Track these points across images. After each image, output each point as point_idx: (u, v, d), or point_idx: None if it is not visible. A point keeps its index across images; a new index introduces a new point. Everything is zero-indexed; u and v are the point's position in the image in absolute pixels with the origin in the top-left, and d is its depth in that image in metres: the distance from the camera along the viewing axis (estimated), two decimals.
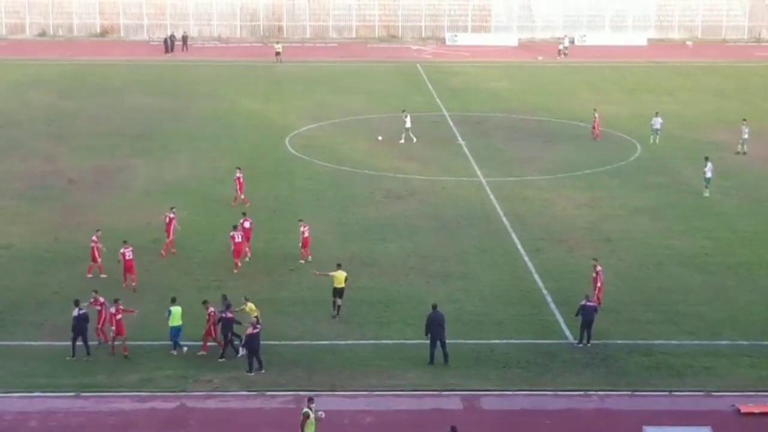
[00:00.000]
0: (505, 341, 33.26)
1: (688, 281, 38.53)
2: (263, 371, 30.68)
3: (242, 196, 46.39)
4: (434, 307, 31.91)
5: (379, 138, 59.32)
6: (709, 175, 48.90)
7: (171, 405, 29.07)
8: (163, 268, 39.02)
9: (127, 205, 46.87)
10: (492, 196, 48.78)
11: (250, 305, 32.50)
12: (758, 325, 34.71)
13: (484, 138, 60.79)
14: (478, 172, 52.95)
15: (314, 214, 44.84)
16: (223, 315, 31.51)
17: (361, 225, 44.50)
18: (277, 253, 40.54)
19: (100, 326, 32.26)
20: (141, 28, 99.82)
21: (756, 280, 38.74)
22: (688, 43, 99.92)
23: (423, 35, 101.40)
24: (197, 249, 40.92)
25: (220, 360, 31.48)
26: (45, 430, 27.79)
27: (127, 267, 37.02)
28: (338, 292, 34.80)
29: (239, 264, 38.79)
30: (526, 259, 40.59)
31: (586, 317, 32.54)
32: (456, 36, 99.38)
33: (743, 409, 28.80)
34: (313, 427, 25.96)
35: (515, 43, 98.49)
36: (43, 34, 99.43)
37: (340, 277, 34.78)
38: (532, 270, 39.41)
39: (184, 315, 32.13)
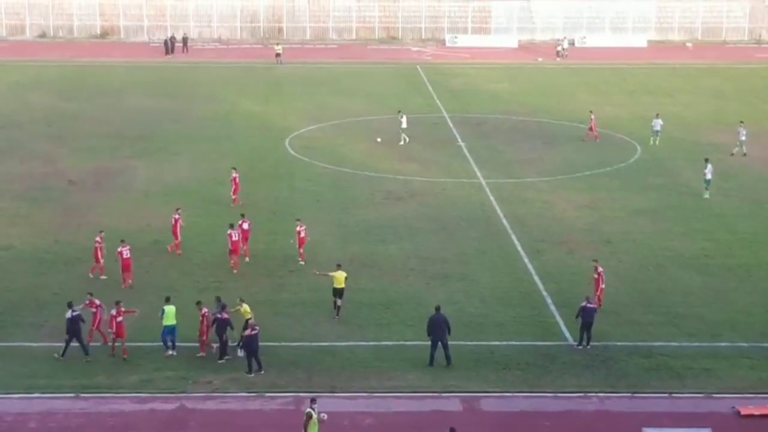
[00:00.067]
0: (505, 343, 33.26)
1: (688, 283, 38.54)
2: (263, 372, 30.69)
3: (235, 196, 46.35)
4: (437, 309, 31.89)
5: (378, 140, 59.32)
6: (709, 176, 48.91)
7: (171, 406, 29.07)
8: (163, 269, 39.05)
9: (127, 206, 46.88)
10: (492, 198, 48.79)
11: (245, 306, 32.51)
12: (758, 326, 34.71)
13: (484, 139, 60.80)
14: (478, 174, 52.96)
15: (314, 216, 44.86)
16: (218, 316, 31.50)
17: (361, 226, 44.51)
18: (276, 255, 40.55)
19: (94, 328, 32.26)
20: (141, 29, 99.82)
21: (756, 282, 38.74)
22: (688, 44, 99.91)
23: (423, 37, 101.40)
24: (197, 250, 40.92)
25: (220, 361, 31.48)
26: (45, 431, 27.79)
27: (125, 266, 37.10)
28: (338, 293, 34.82)
29: (238, 262, 38.85)
30: (526, 260, 40.59)
31: (586, 319, 32.54)
32: (456, 37, 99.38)
33: (743, 411, 28.80)
34: (316, 428, 25.97)
35: (515, 45, 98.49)
36: (43, 35, 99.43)
37: (340, 277, 34.80)
38: (532, 272, 39.41)
39: (178, 315, 32.15)
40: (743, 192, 50.28)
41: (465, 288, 37.68)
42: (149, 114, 66.46)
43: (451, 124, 64.76)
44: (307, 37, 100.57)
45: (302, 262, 39.38)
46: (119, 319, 31.52)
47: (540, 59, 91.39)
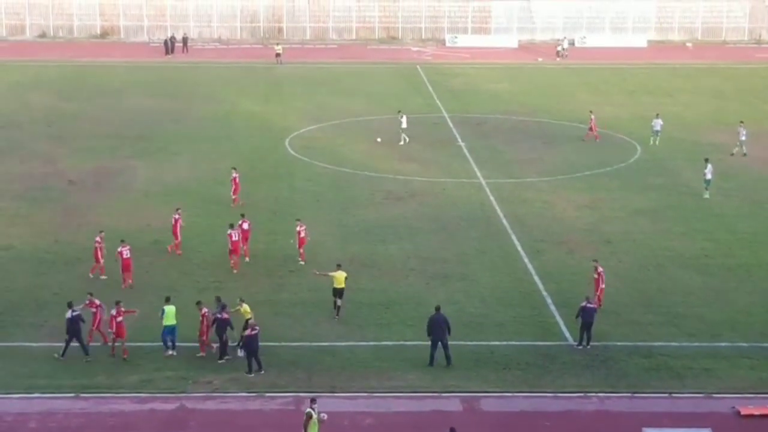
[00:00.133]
0: (504, 343, 33.26)
1: (688, 283, 38.54)
2: (263, 372, 30.70)
3: (235, 196, 46.40)
4: (437, 309, 31.89)
5: (378, 140, 59.32)
6: (709, 176, 48.91)
7: (171, 406, 29.07)
8: (163, 269, 39.06)
9: (127, 206, 46.89)
10: (492, 198, 48.79)
11: (245, 306, 32.51)
12: (758, 326, 34.71)
13: (484, 139, 60.80)
14: (478, 174, 52.96)
15: (314, 216, 44.86)
16: (218, 316, 31.49)
17: (361, 226, 44.51)
18: (276, 255, 40.55)
19: (94, 328, 32.26)
20: (141, 29, 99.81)
21: (756, 282, 38.75)
22: (688, 44, 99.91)
23: (423, 37, 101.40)
24: (197, 250, 40.92)
25: (220, 362, 31.48)
26: (45, 431, 27.80)
27: (125, 266, 37.15)
28: (338, 293, 34.83)
29: (238, 262, 38.89)
30: (526, 260, 40.59)
31: (585, 319, 32.54)
32: (456, 37, 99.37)
33: (743, 411, 28.80)
34: (316, 428, 25.96)
35: (515, 45, 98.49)
36: (43, 35, 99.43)
37: (339, 277, 34.81)
38: (532, 272, 39.42)
39: (179, 315, 32.16)
40: (743, 192, 50.29)
41: (465, 288, 37.68)
42: (149, 114, 66.47)
43: (451, 124, 64.77)
44: (307, 37, 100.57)
45: (302, 262, 39.39)
46: (119, 319, 31.52)
47: (540, 59, 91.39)
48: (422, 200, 48.38)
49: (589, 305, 32.67)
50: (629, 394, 30.09)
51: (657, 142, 59.04)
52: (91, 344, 32.04)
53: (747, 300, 36.97)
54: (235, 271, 38.60)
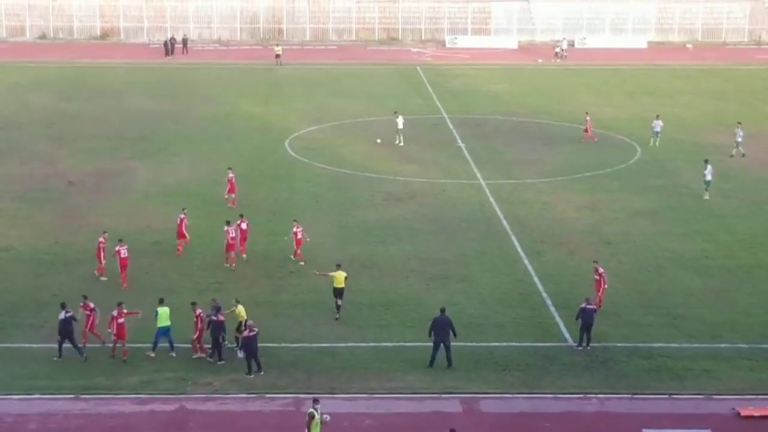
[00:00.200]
0: (504, 344, 33.25)
1: (688, 284, 38.54)
2: (262, 373, 30.69)
3: (233, 196, 46.50)
4: (442, 310, 31.84)
5: (378, 141, 59.32)
6: (709, 177, 48.91)
7: (170, 407, 29.07)
8: (163, 270, 39.06)
9: (127, 207, 46.89)
10: (492, 199, 48.79)
11: (240, 308, 32.50)
12: (758, 328, 34.71)
13: (483, 140, 60.80)
14: (478, 175, 52.96)
15: (314, 217, 44.89)
16: (213, 318, 31.47)
17: (361, 228, 44.51)
18: (276, 256, 40.54)
19: (87, 330, 32.24)
20: (141, 30, 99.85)
21: (756, 283, 38.74)
22: (688, 45, 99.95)
23: (423, 38, 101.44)
24: (197, 251, 40.90)
25: (219, 363, 31.47)
26: None
27: (122, 265, 37.16)
28: (338, 293, 34.84)
29: (234, 258, 38.97)
30: (526, 261, 40.59)
31: (585, 320, 32.53)
32: (456, 38, 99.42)
33: (743, 412, 28.79)
34: (318, 428, 25.93)
35: (515, 46, 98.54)
36: (43, 36, 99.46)
37: (339, 277, 34.82)
38: (532, 273, 39.41)
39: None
40: (743, 193, 50.29)
41: (465, 289, 37.68)
42: (149, 115, 66.48)
43: (450, 125, 64.77)
44: (307, 38, 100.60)
45: (302, 263, 39.40)
46: (120, 320, 31.50)
47: (540, 60, 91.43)
48: (422, 201, 48.38)
49: (588, 306, 32.67)
50: (629, 396, 30.07)
51: (657, 144, 59.05)
52: (87, 346, 32.04)
53: (747, 301, 36.96)
54: (228, 265, 38.72)
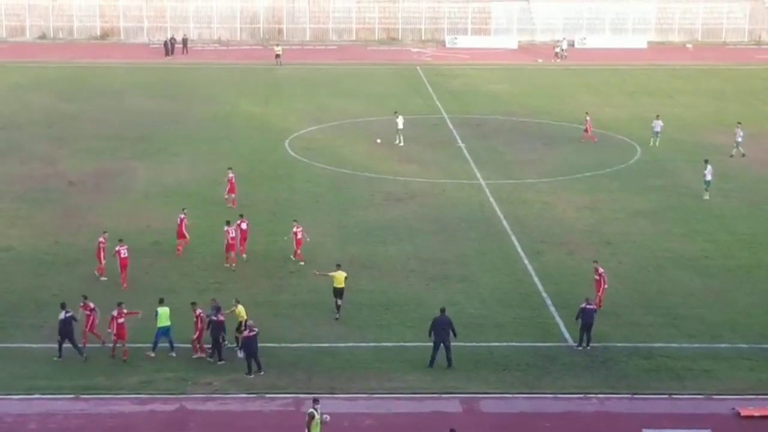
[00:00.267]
0: (504, 344, 33.25)
1: (688, 284, 38.54)
2: (262, 373, 30.69)
3: (233, 196, 46.53)
4: (442, 310, 31.84)
5: (378, 141, 59.33)
6: (709, 177, 48.91)
7: (171, 407, 29.07)
8: (163, 270, 39.07)
9: (127, 207, 46.89)
10: (492, 199, 48.79)
11: (240, 308, 32.50)
12: (758, 328, 34.71)
13: (483, 140, 60.80)
14: (478, 175, 52.97)
15: (314, 217, 44.90)
16: (213, 318, 31.47)
17: (361, 228, 44.51)
18: (276, 256, 40.54)
19: (87, 330, 32.25)
20: (141, 30, 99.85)
21: (755, 283, 38.75)
22: (689, 45, 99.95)
23: (423, 38, 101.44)
24: (197, 251, 40.90)
25: (219, 363, 31.48)
26: None
27: (122, 265, 37.18)
28: (338, 292, 34.85)
29: (234, 258, 39.00)
30: (526, 261, 40.59)
31: (585, 320, 32.53)
32: (456, 38, 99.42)
33: (743, 412, 28.79)
34: (318, 428, 25.93)
35: (515, 46, 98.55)
36: (43, 36, 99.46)
37: (339, 277, 34.84)
38: (532, 273, 39.41)
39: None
40: (743, 193, 50.30)
41: (465, 289, 37.68)
42: (149, 115, 66.48)
43: (450, 125, 64.77)
44: (307, 39, 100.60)
45: (302, 263, 39.42)
46: (121, 320, 31.49)
47: (540, 60, 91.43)
48: (422, 201, 48.39)
49: (588, 306, 32.67)
50: (629, 396, 30.08)
51: (657, 144, 59.06)
52: (87, 345, 32.05)
53: (747, 301, 36.97)
54: (228, 265, 38.75)
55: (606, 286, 35.47)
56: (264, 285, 37.78)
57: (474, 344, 33.01)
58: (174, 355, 31.84)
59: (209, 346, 31.70)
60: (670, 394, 30.10)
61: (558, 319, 35.07)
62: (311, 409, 25.99)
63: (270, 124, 64.32)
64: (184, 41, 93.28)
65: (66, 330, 31.36)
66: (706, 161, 49.73)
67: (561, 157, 56.88)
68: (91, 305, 32.37)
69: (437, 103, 71.78)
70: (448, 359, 31.37)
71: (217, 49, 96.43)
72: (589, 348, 32.70)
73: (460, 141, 60.41)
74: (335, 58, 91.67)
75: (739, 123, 57.76)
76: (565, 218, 46.11)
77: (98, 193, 49.46)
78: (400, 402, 29.46)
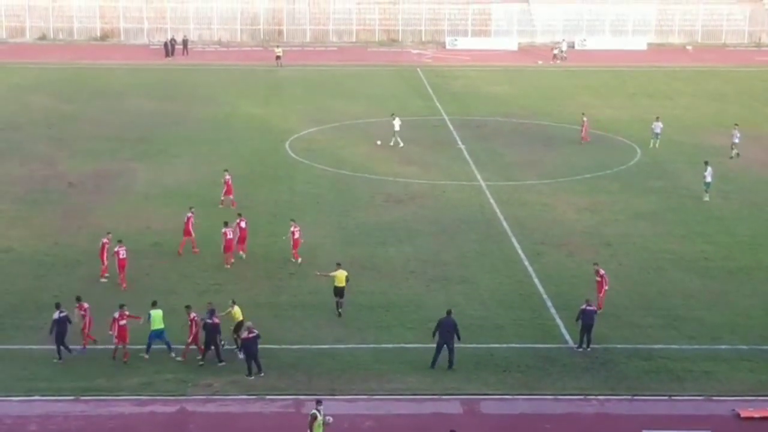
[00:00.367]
0: (505, 345, 33.26)
1: (688, 285, 38.54)
2: (263, 375, 30.68)
3: (230, 198, 46.56)
4: (448, 312, 31.82)
5: (378, 142, 59.31)
6: (709, 179, 48.93)
7: (171, 409, 29.06)
8: (163, 272, 39.06)
9: (127, 208, 46.88)
10: (492, 200, 48.80)
11: (236, 309, 32.48)
12: (758, 329, 34.72)
13: (484, 142, 60.81)
14: (478, 176, 52.97)
15: (314, 218, 44.91)
16: (208, 321, 31.43)
17: (361, 229, 44.52)
18: (276, 257, 40.54)
19: (86, 330, 32.20)
20: (141, 31, 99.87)
21: (755, 285, 38.75)
22: (689, 47, 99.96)
23: (423, 39, 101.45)
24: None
25: (220, 364, 31.47)
26: None
27: (121, 266, 37.18)
28: (339, 292, 34.88)
29: (232, 260, 38.98)
30: (526, 263, 40.59)
31: (586, 321, 32.54)
32: (456, 40, 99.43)
33: (743, 414, 28.80)
34: (320, 430, 25.91)
35: (515, 47, 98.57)
36: (43, 37, 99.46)
37: (341, 276, 34.88)
38: (532, 274, 39.41)
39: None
40: (743, 195, 50.31)
41: (465, 290, 37.67)
42: (149, 116, 66.49)
43: (451, 127, 64.78)
44: (307, 40, 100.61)
45: (299, 262, 39.41)
46: (122, 322, 31.48)
47: (540, 62, 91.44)
48: (422, 203, 48.39)
49: (589, 308, 32.67)
50: (629, 397, 30.08)
51: (657, 145, 59.06)
52: (87, 347, 32.05)
53: (747, 303, 36.97)
54: (227, 266, 38.72)
55: (607, 288, 35.48)
56: (264, 286, 37.78)
57: (474, 345, 32.99)
58: (173, 356, 31.80)
59: (204, 348, 31.62)
60: (670, 396, 30.11)
61: (558, 321, 35.07)
62: (314, 410, 25.99)
63: (270, 126, 64.33)
64: (185, 42, 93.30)
65: (60, 330, 31.33)
66: (706, 163, 49.74)
67: (561, 159, 56.90)
68: (86, 305, 32.34)
69: (437, 104, 71.80)
70: (450, 361, 31.36)
71: (217, 51, 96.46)
72: (589, 349, 32.71)
73: (460, 142, 60.42)
74: (335, 59, 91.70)
75: (736, 125, 57.77)
76: (565, 220, 46.11)
77: (98, 194, 49.45)
78: (400, 403, 29.46)
